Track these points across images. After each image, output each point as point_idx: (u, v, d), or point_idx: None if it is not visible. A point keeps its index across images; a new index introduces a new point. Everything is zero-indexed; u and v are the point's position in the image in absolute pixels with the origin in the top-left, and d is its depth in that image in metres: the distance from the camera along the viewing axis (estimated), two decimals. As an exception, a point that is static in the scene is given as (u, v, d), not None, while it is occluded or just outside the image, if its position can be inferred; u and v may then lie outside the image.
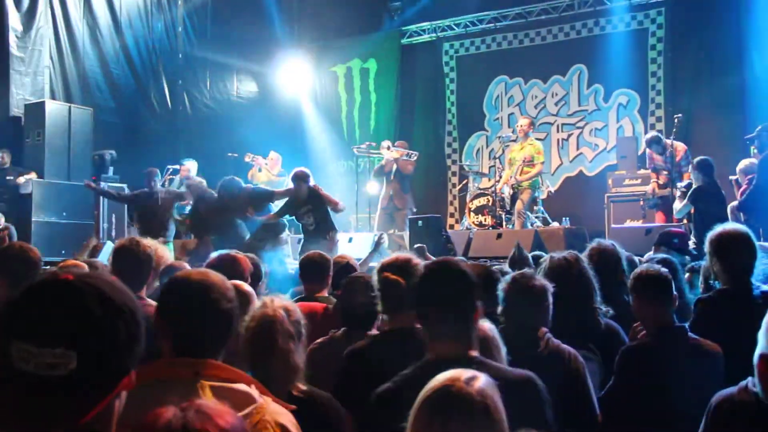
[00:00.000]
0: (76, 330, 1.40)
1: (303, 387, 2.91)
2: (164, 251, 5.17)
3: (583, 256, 4.35)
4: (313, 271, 5.20)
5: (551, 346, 3.28)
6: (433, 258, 5.80)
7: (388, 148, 13.16)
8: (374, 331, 3.96)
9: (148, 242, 4.53)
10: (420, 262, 3.53)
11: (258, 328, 2.91)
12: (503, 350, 2.90)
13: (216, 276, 2.43)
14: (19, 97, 12.88)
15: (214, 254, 4.87)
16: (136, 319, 1.50)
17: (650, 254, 6.45)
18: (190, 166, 13.15)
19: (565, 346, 3.33)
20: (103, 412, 1.45)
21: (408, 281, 3.38)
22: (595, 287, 3.83)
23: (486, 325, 2.91)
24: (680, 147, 11.10)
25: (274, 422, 2.22)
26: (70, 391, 1.39)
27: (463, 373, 1.81)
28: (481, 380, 1.79)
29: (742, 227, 4.23)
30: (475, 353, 2.60)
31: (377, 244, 8.53)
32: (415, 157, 13.29)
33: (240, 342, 2.87)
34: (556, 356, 3.24)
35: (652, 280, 3.71)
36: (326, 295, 5.10)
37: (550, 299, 3.47)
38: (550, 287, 3.49)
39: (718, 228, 4.18)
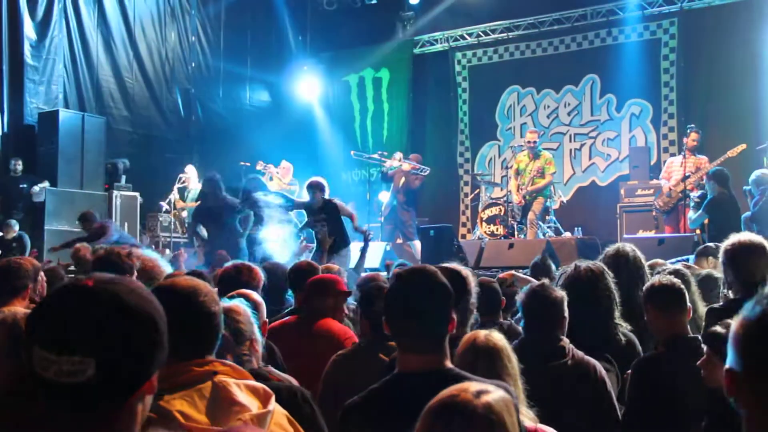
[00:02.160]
0: (93, 337, 1.41)
1: None
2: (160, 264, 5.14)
3: (603, 261, 4.35)
4: (301, 280, 5.21)
5: (576, 357, 3.27)
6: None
7: (400, 159, 13.11)
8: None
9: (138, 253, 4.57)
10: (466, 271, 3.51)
11: None
12: (515, 359, 2.87)
13: (199, 280, 2.47)
14: (33, 105, 12.96)
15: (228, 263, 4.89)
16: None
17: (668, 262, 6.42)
18: (190, 171, 13.23)
19: (588, 357, 3.33)
20: (125, 417, 1.48)
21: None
22: (617, 302, 3.80)
23: (495, 335, 2.87)
24: (703, 159, 11.11)
25: (281, 412, 2.30)
26: (89, 397, 1.42)
27: (473, 386, 1.76)
28: (493, 395, 1.71)
29: (757, 237, 4.19)
30: (449, 365, 2.51)
31: (365, 240, 8.46)
32: (426, 173, 13.22)
33: None
34: (582, 367, 3.23)
35: (666, 291, 3.68)
36: None
37: (567, 309, 3.47)
38: (566, 297, 3.49)
39: (733, 237, 4.15)
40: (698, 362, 3.15)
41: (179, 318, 2.30)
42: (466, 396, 1.71)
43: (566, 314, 3.46)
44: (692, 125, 11.66)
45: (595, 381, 3.21)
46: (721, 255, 4.14)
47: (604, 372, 3.27)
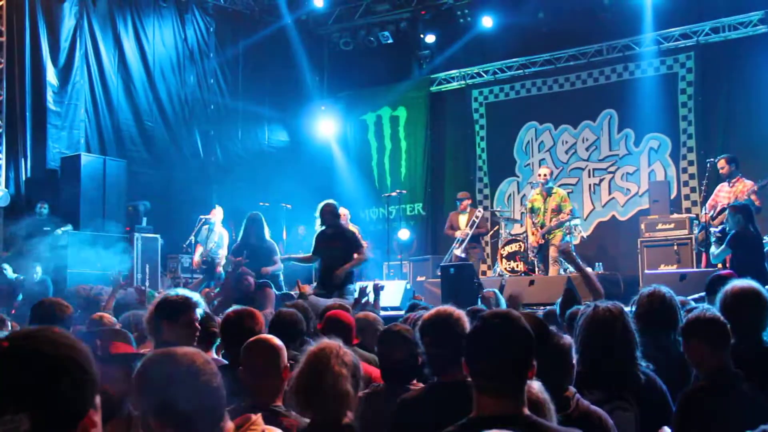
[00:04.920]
0: (20, 395, 1.46)
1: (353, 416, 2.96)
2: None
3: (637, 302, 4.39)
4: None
5: (581, 407, 3.24)
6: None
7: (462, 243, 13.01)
8: (416, 384, 3.94)
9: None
10: (462, 314, 3.52)
11: (312, 357, 3.05)
12: (553, 412, 2.84)
13: (196, 353, 2.39)
14: (56, 150, 13.12)
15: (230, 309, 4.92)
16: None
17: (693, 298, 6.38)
18: (218, 211, 13.22)
19: (594, 407, 3.30)
20: None
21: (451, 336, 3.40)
22: (637, 342, 3.79)
23: (535, 385, 2.85)
24: (749, 184, 10.91)
25: None
26: None
27: None
28: None
29: (753, 284, 4.24)
30: (527, 412, 2.51)
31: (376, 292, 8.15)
32: (479, 215, 13.18)
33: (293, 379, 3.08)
34: (586, 418, 3.19)
35: (713, 324, 3.71)
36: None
37: (574, 356, 3.45)
38: (573, 344, 3.47)
39: (729, 284, 4.23)
40: None
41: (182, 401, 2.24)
42: None
43: (574, 362, 3.44)
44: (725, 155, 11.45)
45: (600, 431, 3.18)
46: (718, 301, 4.19)
47: (610, 422, 3.23)
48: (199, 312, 4.59)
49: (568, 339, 3.48)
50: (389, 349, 4.03)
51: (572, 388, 3.33)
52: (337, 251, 9.50)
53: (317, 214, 9.72)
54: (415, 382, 3.96)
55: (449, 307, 3.59)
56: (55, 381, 1.50)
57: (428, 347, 3.51)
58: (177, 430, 2.23)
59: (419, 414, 3.32)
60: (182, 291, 4.89)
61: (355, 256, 9.51)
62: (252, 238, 10.26)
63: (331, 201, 9.85)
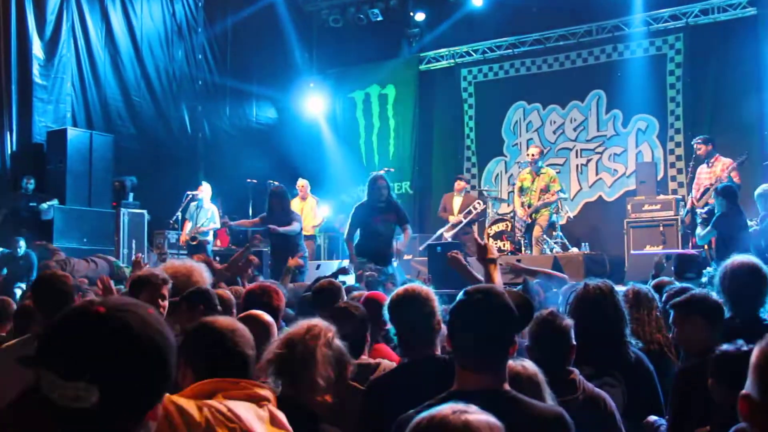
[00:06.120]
0: (99, 365, 1.41)
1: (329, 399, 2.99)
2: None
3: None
4: (324, 298, 5.19)
5: (587, 391, 3.26)
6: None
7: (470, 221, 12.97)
8: (366, 359, 3.95)
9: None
10: (429, 291, 3.53)
11: (297, 334, 3.00)
12: (546, 385, 2.86)
13: (239, 323, 2.64)
14: (42, 124, 13.00)
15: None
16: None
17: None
18: (206, 188, 13.17)
19: (598, 390, 3.31)
20: None
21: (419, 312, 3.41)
22: (627, 320, 3.81)
23: (528, 363, 2.85)
24: (727, 162, 10.93)
25: None
26: (91, 423, 1.42)
27: (456, 406, 1.71)
28: (474, 415, 1.67)
29: (753, 259, 4.26)
30: (507, 387, 2.52)
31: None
32: (478, 208, 13.12)
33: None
34: (592, 401, 3.22)
35: (714, 303, 3.78)
36: None
37: (573, 337, 3.47)
38: (572, 325, 3.50)
39: (729, 259, 4.26)
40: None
41: (214, 357, 2.41)
42: (446, 412, 1.68)
43: (574, 342, 3.45)
44: (700, 137, 11.53)
45: (605, 414, 3.20)
46: (718, 275, 4.21)
47: (613, 404, 3.26)
48: (166, 289, 4.49)
49: (568, 320, 3.47)
50: (335, 326, 4.02)
51: (576, 371, 3.34)
52: (392, 225, 9.59)
53: (368, 185, 9.67)
54: (363, 357, 3.93)
55: (417, 285, 3.59)
56: (138, 364, 1.45)
57: (397, 326, 3.52)
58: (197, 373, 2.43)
59: (391, 394, 3.31)
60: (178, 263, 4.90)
61: (408, 230, 9.80)
62: (276, 212, 10.40)
63: (383, 174, 9.98)
